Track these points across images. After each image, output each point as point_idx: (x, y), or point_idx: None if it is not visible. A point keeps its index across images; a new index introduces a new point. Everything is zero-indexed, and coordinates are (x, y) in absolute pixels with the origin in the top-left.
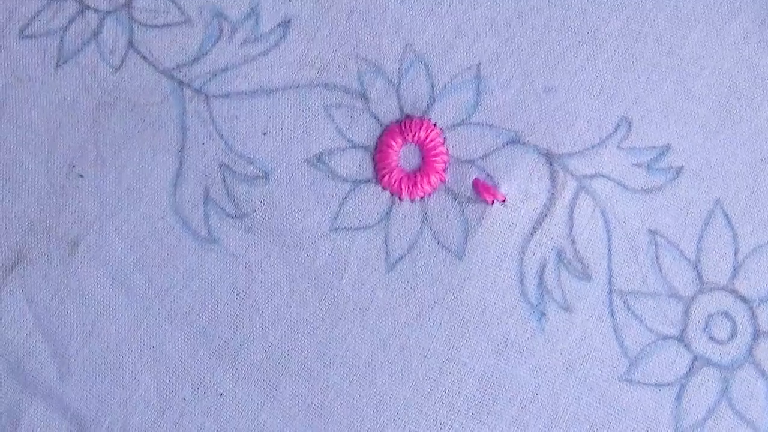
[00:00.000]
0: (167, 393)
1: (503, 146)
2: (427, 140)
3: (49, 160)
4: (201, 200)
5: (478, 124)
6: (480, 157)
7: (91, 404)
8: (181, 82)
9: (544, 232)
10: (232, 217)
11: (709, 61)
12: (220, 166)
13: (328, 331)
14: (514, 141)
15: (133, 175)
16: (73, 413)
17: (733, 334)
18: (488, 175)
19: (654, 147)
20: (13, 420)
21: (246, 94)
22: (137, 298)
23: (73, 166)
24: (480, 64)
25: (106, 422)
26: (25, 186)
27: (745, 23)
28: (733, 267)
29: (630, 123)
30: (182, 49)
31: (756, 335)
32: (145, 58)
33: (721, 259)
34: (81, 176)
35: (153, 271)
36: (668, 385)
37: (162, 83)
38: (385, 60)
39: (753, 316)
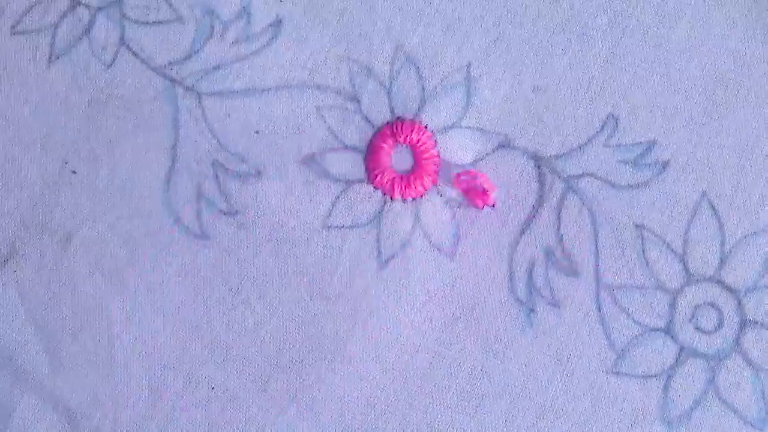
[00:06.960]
0: (159, 386)
1: (493, 151)
2: (419, 143)
3: (41, 157)
4: (193, 197)
5: (469, 127)
6: (470, 162)
7: (82, 397)
8: (173, 80)
9: (532, 232)
10: (225, 214)
11: (695, 53)
12: (213, 163)
13: (319, 327)
14: (504, 145)
15: (125, 172)
16: (64, 406)
17: (719, 325)
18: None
19: (640, 143)
20: (4, 413)
21: (238, 92)
22: (129, 292)
23: (66, 163)
24: (470, 64)
25: (98, 415)
26: (17, 181)
27: (731, 12)
28: (720, 258)
29: (617, 120)
30: (174, 46)
31: (743, 325)
32: (136, 55)
33: (708, 251)
34: (74, 172)
35: (145, 266)
36: (655, 376)
37: (154, 80)
38: (376, 62)
39: (740, 306)
